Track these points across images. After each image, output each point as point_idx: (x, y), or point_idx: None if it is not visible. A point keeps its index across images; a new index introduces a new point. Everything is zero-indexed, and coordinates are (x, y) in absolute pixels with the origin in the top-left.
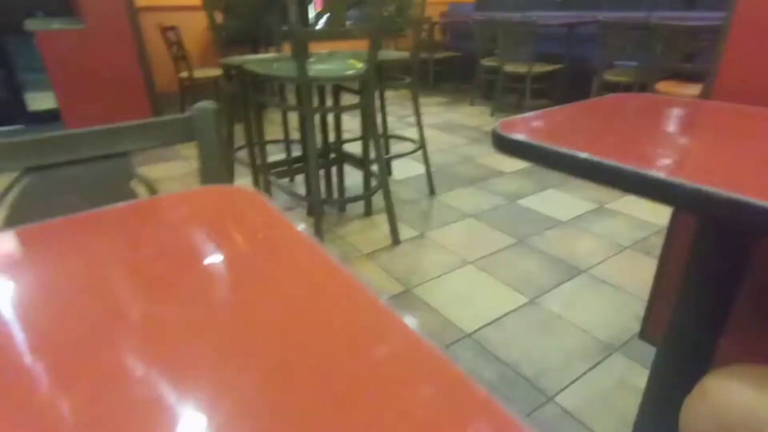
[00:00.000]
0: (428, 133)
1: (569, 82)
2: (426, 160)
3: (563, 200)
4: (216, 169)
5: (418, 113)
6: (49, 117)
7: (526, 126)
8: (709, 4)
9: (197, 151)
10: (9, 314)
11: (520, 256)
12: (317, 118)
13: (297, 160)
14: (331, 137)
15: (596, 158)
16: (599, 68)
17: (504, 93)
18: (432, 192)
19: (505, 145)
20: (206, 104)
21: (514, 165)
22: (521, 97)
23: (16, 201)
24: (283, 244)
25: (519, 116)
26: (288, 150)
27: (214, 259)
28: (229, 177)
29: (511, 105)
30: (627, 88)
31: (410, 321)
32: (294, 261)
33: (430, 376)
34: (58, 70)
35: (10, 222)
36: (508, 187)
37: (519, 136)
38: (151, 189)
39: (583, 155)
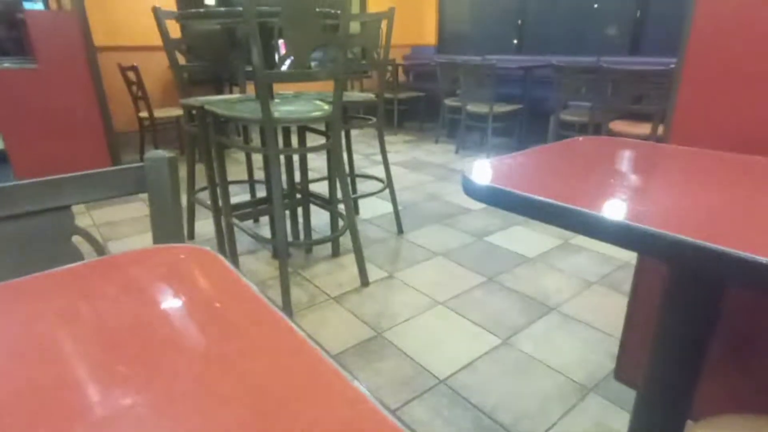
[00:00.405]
0: (394, 171)
1: (528, 121)
2: (393, 199)
3: (529, 237)
4: (170, 224)
5: (384, 153)
6: None
7: (493, 171)
8: (652, 51)
9: (149, 204)
10: None
11: (491, 295)
12: (282, 158)
13: (261, 201)
14: (297, 177)
15: (565, 205)
16: (555, 108)
17: (467, 131)
18: (400, 231)
19: (474, 191)
20: (160, 153)
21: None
22: (484, 134)
23: None
24: (243, 314)
25: (487, 160)
26: (252, 190)
27: (165, 333)
28: (182, 229)
29: (474, 143)
30: (582, 127)
31: (389, 416)
32: (255, 334)
33: None
34: (6, 110)
35: None
36: (475, 224)
37: (488, 184)
38: (97, 247)
39: (553, 202)
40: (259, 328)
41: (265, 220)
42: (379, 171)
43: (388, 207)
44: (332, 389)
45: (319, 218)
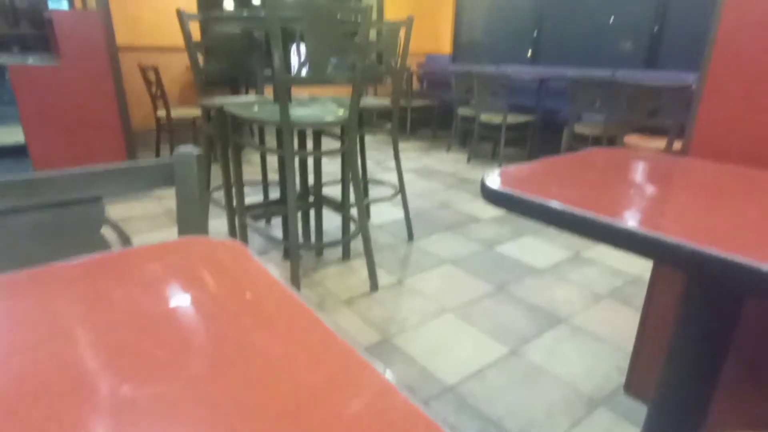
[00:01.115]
0: (406, 177)
1: (541, 132)
2: (405, 205)
3: (539, 247)
4: (195, 219)
5: (397, 159)
6: (16, 152)
7: (512, 178)
8: (668, 64)
9: (176, 198)
10: None
11: (500, 304)
12: (296, 161)
13: (274, 202)
14: (310, 180)
15: (587, 213)
16: (569, 120)
17: (480, 141)
18: (410, 237)
19: (493, 197)
20: (189, 149)
21: (491, 212)
22: (496, 144)
23: None
24: (273, 305)
25: (504, 167)
26: (265, 192)
27: (196, 323)
28: (207, 224)
29: (486, 152)
30: (596, 140)
31: (420, 407)
32: (285, 325)
33: None
34: (29, 105)
35: None
36: (485, 233)
37: (509, 190)
38: (124, 238)
39: (576, 210)
40: (289, 319)
41: (276, 222)
42: (391, 177)
43: (399, 213)
44: (363, 380)
45: (331, 222)
